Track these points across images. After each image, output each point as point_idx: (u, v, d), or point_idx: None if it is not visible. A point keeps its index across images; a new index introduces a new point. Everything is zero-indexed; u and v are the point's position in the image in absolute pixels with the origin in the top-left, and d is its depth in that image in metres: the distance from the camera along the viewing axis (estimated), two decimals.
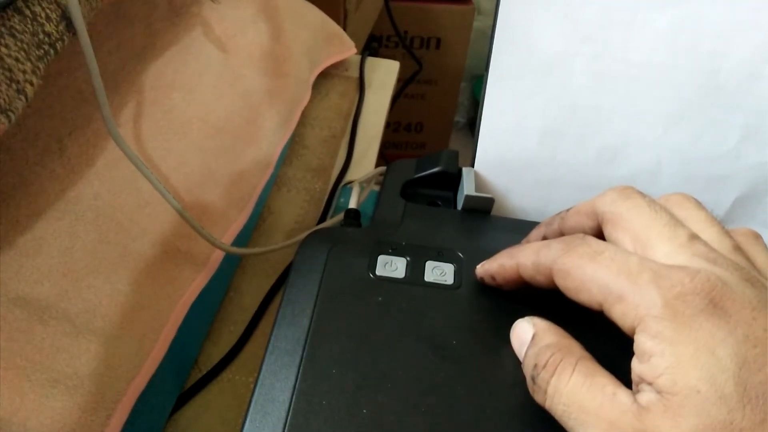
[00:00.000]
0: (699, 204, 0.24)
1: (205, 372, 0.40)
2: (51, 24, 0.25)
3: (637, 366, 0.20)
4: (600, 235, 0.24)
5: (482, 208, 0.33)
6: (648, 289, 0.20)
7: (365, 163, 0.58)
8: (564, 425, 0.21)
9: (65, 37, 0.26)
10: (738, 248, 0.22)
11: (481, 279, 0.27)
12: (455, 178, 0.35)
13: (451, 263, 0.28)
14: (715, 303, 0.19)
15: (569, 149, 0.33)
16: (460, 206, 0.33)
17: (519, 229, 0.30)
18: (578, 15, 0.31)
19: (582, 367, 0.21)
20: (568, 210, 0.26)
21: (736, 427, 0.18)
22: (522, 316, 0.25)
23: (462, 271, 0.28)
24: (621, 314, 0.20)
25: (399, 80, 0.71)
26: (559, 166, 0.33)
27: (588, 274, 0.21)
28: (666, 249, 0.21)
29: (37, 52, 0.24)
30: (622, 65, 0.31)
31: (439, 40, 1.18)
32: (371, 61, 0.68)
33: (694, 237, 0.21)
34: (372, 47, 0.71)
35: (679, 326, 0.19)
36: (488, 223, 0.32)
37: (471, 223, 0.32)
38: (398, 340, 0.25)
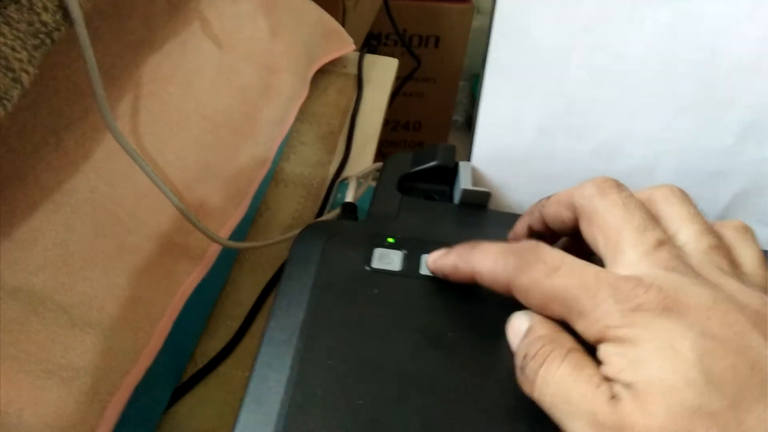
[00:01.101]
0: (684, 198, 0.24)
1: (201, 366, 0.40)
2: (47, 13, 0.25)
3: (602, 369, 0.20)
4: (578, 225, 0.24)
5: (479, 202, 0.33)
6: (606, 303, 0.20)
7: (363, 159, 0.58)
8: (551, 417, 0.21)
9: (62, 27, 0.26)
10: (716, 246, 0.22)
11: (432, 272, 0.27)
12: (452, 172, 0.35)
13: None
14: (670, 308, 0.19)
15: (566, 144, 0.33)
16: (456, 200, 0.33)
17: (512, 223, 0.30)
18: (576, 9, 0.31)
19: (571, 358, 0.21)
20: (548, 198, 0.26)
21: (706, 411, 0.18)
22: (517, 307, 0.25)
23: None
24: (583, 328, 0.21)
25: (398, 78, 0.71)
26: (556, 161, 0.33)
27: (546, 291, 0.22)
28: (630, 256, 0.22)
29: (33, 41, 0.24)
30: (620, 60, 0.31)
31: (438, 39, 1.18)
32: (370, 59, 0.68)
33: (661, 243, 0.22)
34: (371, 45, 0.71)
35: (638, 331, 0.19)
36: (485, 217, 0.32)
37: (467, 217, 0.32)
38: (393, 331, 0.25)
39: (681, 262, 0.21)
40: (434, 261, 0.27)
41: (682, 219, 0.23)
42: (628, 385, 0.19)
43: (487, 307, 0.26)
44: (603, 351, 0.20)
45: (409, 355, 0.24)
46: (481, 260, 0.24)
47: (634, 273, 0.21)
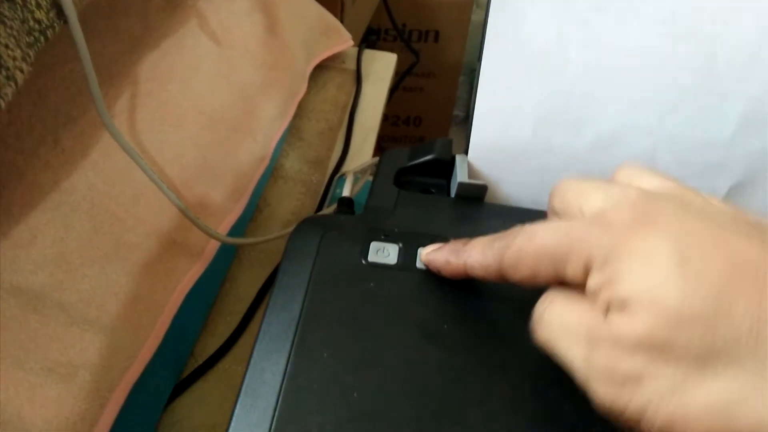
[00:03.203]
0: (651, 169, 0.24)
1: (201, 362, 0.40)
2: (41, 11, 0.25)
3: (595, 297, 0.21)
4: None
5: (475, 196, 0.33)
6: (584, 238, 0.21)
7: (362, 155, 0.58)
8: (556, 356, 0.21)
9: (56, 25, 0.26)
10: (677, 184, 0.23)
11: (426, 265, 0.27)
12: (449, 166, 0.34)
13: None
14: (643, 222, 0.20)
15: (563, 137, 0.33)
16: (453, 194, 0.33)
17: (512, 217, 0.30)
18: (572, 1, 0.30)
19: (569, 295, 0.22)
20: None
21: (691, 314, 0.18)
22: (512, 301, 0.25)
23: None
24: (572, 273, 0.21)
25: (397, 73, 0.71)
26: (553, 154, 0.33)
27: (531, 254, 0.22)
28: (596, 199, 0.22)
29: (27, 39, 0.24)
30: (616, 52, 0.31)
31: (437, 33, 1.18)
32: (368, 54, 0.68)
33: (623, 186, 0.22)
34: (370, 40, 0.71)
35: (616, 250, 0.20)
36: (481, 210, 0.32)
37: (464, 211, 0.32)
38: (389, 325, 0.25)
39: (644, 191, 0.22)
40: (427, 255, 0.27)
41: (647, 175, 0.24)
42: (616, 302, 0.19)
43: (482, 300, 0.26)
44: (591, 281, 0.21)
45: (404, 349, 0.24)
46: (471, 253, 0.25)
47: (602, 207, 0.22)
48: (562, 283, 0.22)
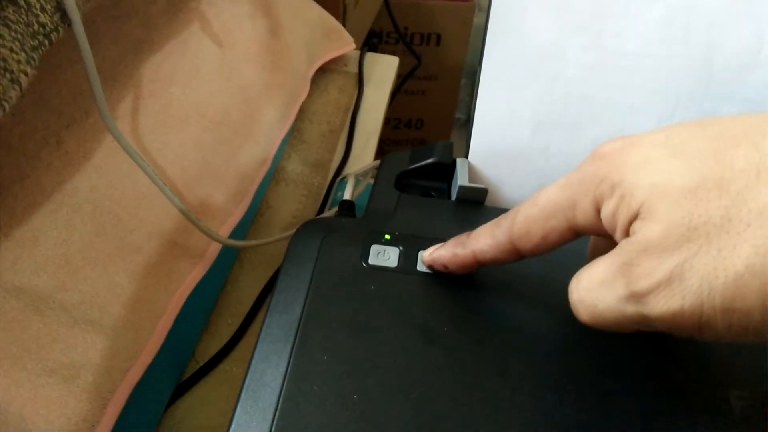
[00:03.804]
0: None
1: (202, 364, 0.40)
2: (45, 14, 0.25)
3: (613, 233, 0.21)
4: None
5: (476, 199, 0.33)
6: (583, 171, 0.21)
7: (364, 157, 0.58)
8: (605, 320, 0.21)
9: (60, 28, 0.26)
10: None
11: (429, 266, 0.28)
12: (449, 169, 0.35)
13: None
14: (633, 144, 0.21)
15: (563, 140, 0.33)
16: (453, 197, 0.33)
17: None
18: (571, 5, 0.31)
19: (593, 257, 0.22)
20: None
21: (697, 183, 0.18)
22: (512, 303, 0.25)
23: None
24: (582, 217, 0.22)
25: (398, 76, 0.71)
26: (553, 157, 0.33)
27: (539, 215, 0.23)
28: (585, 161, 0.23)
29: (31, 43, 0.24)
30: (615, 56, 0.32)
31: (439, 37, 1.18)
32: (370, 57, 0.68)
33: None
34: (372, 43, 0.71)
35: (617, 172, 0.20)
36: (482, 213, 0.33)
37: (464, 214, 0.32)
38: (390, 327, 0.25)
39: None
40: (431, 255, 0.27)
41: None
42: (634, 215, 0.20)
43: (482, 303, 0.26)
44: (605, 212, 0.21)
45: (404, 351, 0.24)
46: (478, 239, 0.25)
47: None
48: (576, 233, 0.22)
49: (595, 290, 0.21)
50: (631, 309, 0.20)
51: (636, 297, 0.20)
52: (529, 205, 0.23)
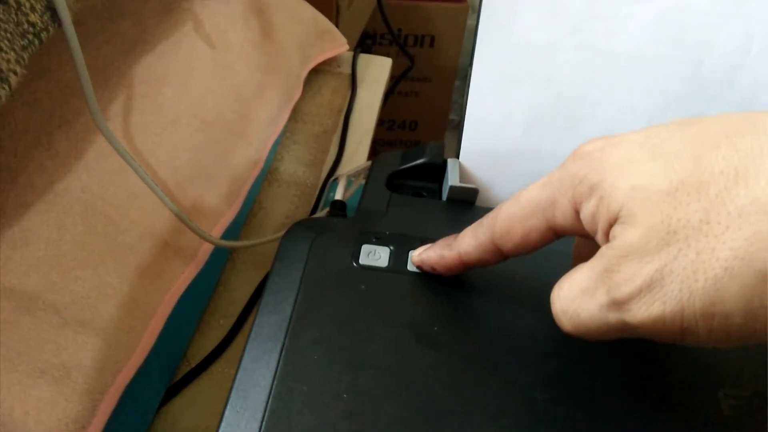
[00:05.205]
0: None
1: (194, 365, 0.40)
2: (35, 14, 0.25)
3: (595, 235, 0.21)
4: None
5: (467, 199, 0.33)
6: (563, 171, 0.21)
7: (357, 159, 0.58)
8: (588, 329, 0.21)
9: (50, 27, 0.26)
10: None
11: (418, 266, 0.28)
12: (440, 170, 0.35)
13: None
14: (612, 144, 0.21)
15: (554, 141, 0.33)
16: (444, 197, 0.34)
17: None
18: (562, 6, 0.31)
19: (571, 272, 0.22)
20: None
21: (677, 185, 0.18)
22: (501, 302, 0.25)
23: None
24: (561, 216, 0.22)
25: (392, 77, 0.71)
26: (544, 158, 0.33)
27: (520, 214, 0.23)
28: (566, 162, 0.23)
29: (21, 42, 0.24)
30: (606, 57, 0.32)
31: (433, 38, 1.18)
32: (364, 58, 0.68)
33: None
34: (366, 44, 0.71)
35: (595, 167, 0.20)
36: (472, 213, 0.33)
37: (455, 214, 0.32)
38: (380, 327, 0.25)
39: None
40: (419, 255, 0.27)
41: None
42: (613, 217, 0.19)
43: (472, 302, 0.26)
44: (584, 212, 0.21)
45: (395, 350, 0.24)
46: (464, 240, 0.25)
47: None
48: (557, 233, 0.22)
49: (577, 299, 0.21)
50: (613, 316, 0.20)
51: (617, 304, 0.19)
52: (511, 203, 0.23)
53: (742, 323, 0.18)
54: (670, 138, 0.20)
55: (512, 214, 0.23)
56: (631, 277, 0.19)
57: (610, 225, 0.20)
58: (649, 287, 0.18)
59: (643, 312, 0.19)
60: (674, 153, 0.19)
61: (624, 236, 0.19)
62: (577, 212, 0.21)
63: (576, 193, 0.21)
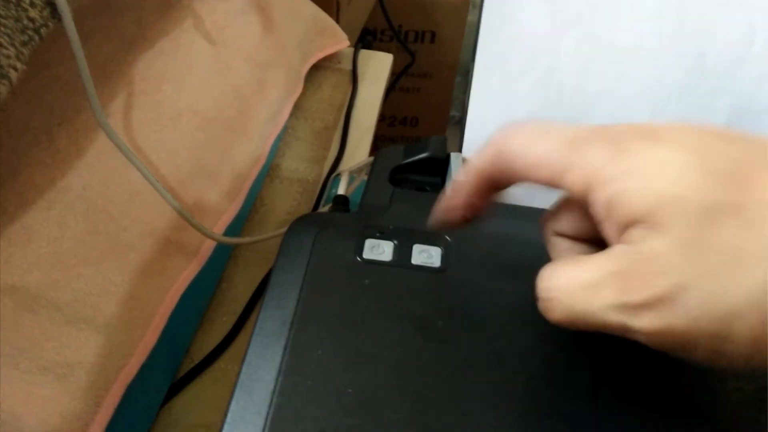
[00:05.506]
0: None
1: (197, 362, 0.40)
2: (35, 9, 0.25)
3: (604, 227, 0.20)
4: None
5: None
6: (594, 142, 0.20)
7: (358, 155, 0.58)
8: (582, 324, 0.20)
9: (50, 23, 0.26)
10: None
11: (441, 224, 0.26)
12: (443, 164, 0.35)
13: (438, 246, 0.28)
14: (649, 136, 0.19)
15: None
16: None
17: (506, 213, 0.30)
18: None
19: (571, 258, 0.21)
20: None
21: (716, 204, 0.18)
22: (506, 296, 0.25)
23: (449, 255, 0.28)
24: (571, 184, 0.20)
25: (393, 73, 0.71)
26: None
27: (532, 159, 0.22)
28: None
29: (21, 38, 0.24)
30: (608, 48, 0.31)
31: (434, 34, 1.18)
32: (364, 54, 0.68)
33: None
34: (366, 40, 0.71)
35: (627, 160, 0.19)
36: None
37: None
38: (384, 321, 0.25)
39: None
40: (433, 214, 0.26)
41: None
42: (639, 219, 0.19)
43: (476, 296, 0.26)
44: (596, 197, 0.20)
45: (399, 345, 0.24)
46: (476, 159, 0.24)
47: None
48: (555, 187, 0.21)
49: (578, 293, 0.20)
50: (615, 317, 0.19)
51: (626, 308, 0.19)
52: (531, 142, 0.22)
53: (743, 352, 0.18)
54: (714, 149, 0.19)
55: (529, 154, 0.22)
56: (648, 284, 0.18)
57: (629, 223, 0.19)
58: (664, 299, 0.18)
59: (651, 321, 0.18)
60: (719, 169, 0.18)
61: (649, 242, 0.18)
62: (584, 188, 0.20)
63: (596, 174, 0.19)
